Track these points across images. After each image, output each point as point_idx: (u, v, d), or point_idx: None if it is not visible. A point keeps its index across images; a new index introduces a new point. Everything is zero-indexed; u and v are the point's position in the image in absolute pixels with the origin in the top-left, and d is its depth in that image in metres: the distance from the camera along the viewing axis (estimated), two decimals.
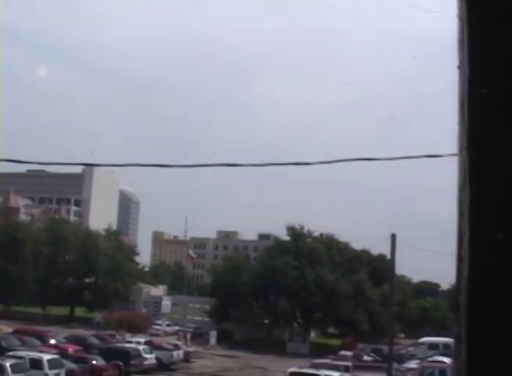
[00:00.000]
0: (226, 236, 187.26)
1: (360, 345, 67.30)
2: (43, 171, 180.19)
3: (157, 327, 79.30)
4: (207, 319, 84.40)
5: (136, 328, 73.42)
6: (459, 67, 1.25)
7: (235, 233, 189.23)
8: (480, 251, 1.10)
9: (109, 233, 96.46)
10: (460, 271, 1.16)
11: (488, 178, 1.11)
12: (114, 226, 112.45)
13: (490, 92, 1.16)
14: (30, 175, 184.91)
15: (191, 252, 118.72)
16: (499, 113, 1.15)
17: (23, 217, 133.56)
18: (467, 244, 1.11)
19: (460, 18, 1.25)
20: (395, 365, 45.89)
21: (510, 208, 1.10)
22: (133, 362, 47.51)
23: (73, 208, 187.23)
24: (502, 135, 1.13)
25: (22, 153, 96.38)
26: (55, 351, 44.93)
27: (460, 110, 1.21)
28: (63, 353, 44.51)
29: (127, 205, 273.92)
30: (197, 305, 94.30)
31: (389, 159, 21.35)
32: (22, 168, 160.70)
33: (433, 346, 64.04)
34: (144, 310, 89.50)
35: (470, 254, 1.11)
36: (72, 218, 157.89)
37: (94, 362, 43.82)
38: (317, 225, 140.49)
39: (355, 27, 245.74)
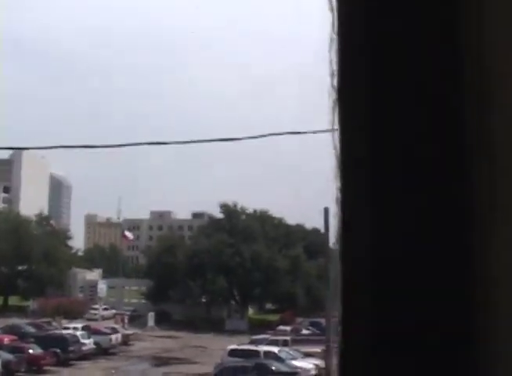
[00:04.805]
0: (160, 217, 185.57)
1: (298, 319, 67.85)
2: None
3: (94, 311, 78.50)
4: (144, 301, 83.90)
5: (73, 314, 72.61)
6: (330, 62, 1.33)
7: (168, 213, 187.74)
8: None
9: (41, 219, 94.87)
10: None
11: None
12: (46, 211, 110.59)
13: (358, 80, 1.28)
14: None
15: (128, 233, 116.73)
16: (369, 97, 1.28)
17: None
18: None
19: (330, 10, 1.33)
20: (334, 337, 46.35)
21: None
22: (71, 348, 47.10)
23: (3, 195, 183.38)
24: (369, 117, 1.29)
25: None
26: None
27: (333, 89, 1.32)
28: None
29: (58, 189, 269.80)
30: (134, 288, 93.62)
31: (290, 133, 21.37)
32: None
33: None
34: (80, 295, 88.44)
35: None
36: (1, 205, 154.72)
37: (30, 351, 43.24)
38: (250, 201, 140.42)
39: None
